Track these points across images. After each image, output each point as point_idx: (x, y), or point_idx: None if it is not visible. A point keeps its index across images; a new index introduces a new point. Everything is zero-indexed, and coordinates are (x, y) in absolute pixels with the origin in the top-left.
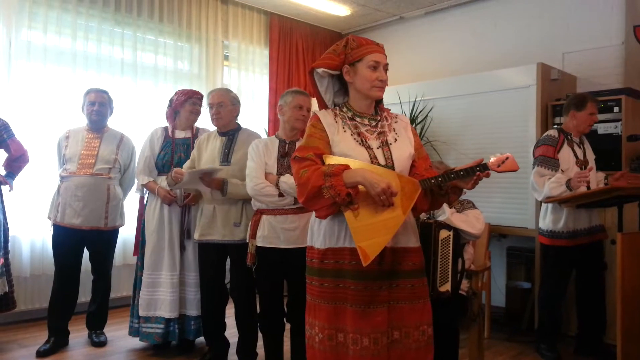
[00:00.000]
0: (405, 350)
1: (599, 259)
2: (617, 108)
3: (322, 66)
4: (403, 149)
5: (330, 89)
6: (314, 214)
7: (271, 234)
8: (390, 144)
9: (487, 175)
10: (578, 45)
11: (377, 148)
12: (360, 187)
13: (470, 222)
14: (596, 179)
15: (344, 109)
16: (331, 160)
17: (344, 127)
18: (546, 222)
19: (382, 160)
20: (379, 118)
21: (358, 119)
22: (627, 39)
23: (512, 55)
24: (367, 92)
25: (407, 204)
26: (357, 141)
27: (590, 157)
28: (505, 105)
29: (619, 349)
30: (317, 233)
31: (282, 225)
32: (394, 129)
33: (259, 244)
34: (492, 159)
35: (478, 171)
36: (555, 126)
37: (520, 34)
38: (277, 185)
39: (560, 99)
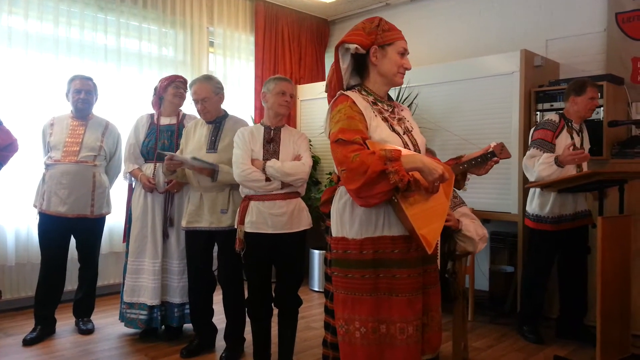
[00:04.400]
0: (431, 333)
1: (582, 243)
2: (599, 94)
3: (355, 42)
4: (420, 137)
5: (349, 69)
6: (336, 203)
7: (259, 219)
8: (411, 131)
9: (497, 162)
10: (561, 32)
11: (403, 134)
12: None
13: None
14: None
15: (363, 92)
16: (375, 145)
17: (373, 112)
18: (533, 206)
19: (410, 147)
20: (393, 105)
21: (380, 104)
22: (609, 26)
23: (497, 42)
24: (393, 77)
25: (448, 190)
26: (388, 127)
27: (586, 145)
28: (490, 92)
29: (598, 330)
30: (349, 223)
31: (270, 210)
32: (404, 116)
33: (248, 230)
34: (493, 145)
35: (489, 158)
36: (557, 111)
37: (504, 21)
38: (263, 170)
39: (543, 85)
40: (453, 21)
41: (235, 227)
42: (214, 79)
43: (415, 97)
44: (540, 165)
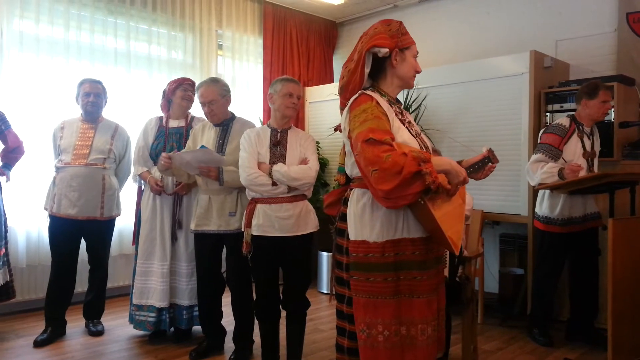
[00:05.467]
0: (441, 332)
1: (592, 245)
2: (611, 96)
3: (385, 46)
4: (427, 141)
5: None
6: (354, 206)
7: (266, 222)
8: (420, 134)
9: (494, 167)
10: (571, 33)
11: (415, 137)
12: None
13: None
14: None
15: (377, 94)
16: (401, 147)
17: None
18: (543, 208)
19: (424, 150)
20: (401, 108)
21: (393, 106)
22: (620, 26)
23: (506, 43)
24: (409, 80)
25: (462, 192)
26: (407, 129)
27: (597, 148)
28: (499, 93)
29: (609, 333)
30: (369, 225)
31: (277, 213)
32: (410, 120)
33: (254, 233)
34: (485, 151)
35: (486, 163)
36: (568, 114)
37: (513, 21)
38: (270, 174)
39: (553, 87)
40: (461, 22)
41: (243, 229)
42: (221, 82)
43: (424, 98)
44: (543, 174)
